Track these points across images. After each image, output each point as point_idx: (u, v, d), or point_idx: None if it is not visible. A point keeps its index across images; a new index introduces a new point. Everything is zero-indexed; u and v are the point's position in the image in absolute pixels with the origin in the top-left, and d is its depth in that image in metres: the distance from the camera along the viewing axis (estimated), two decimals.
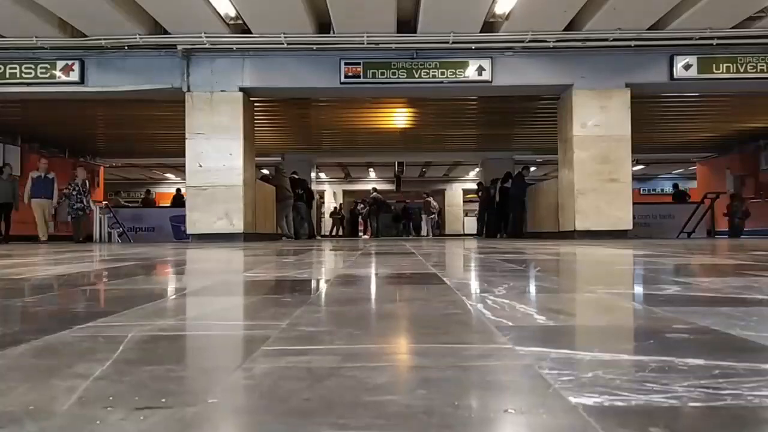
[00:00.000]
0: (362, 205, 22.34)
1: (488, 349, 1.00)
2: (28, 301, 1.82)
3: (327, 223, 26.06)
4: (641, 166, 22.80)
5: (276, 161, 16.70)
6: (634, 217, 9.91)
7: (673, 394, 0.70)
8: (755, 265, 3.04)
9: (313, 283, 2.39)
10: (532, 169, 19.89)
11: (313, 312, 1.49)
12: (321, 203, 25.19)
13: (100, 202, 13.71)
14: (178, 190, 16.99)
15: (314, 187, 18.99)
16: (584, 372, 0.81)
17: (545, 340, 1.07)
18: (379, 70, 9.84)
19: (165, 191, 25.30)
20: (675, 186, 19.18)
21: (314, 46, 9.69)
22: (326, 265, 3.61)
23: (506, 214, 13.93)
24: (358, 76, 9.84)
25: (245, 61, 9.88)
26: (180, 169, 19.07)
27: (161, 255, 5.07)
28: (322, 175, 26.29)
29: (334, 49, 9.74)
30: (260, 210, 10.89)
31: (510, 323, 1.22)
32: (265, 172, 14.38)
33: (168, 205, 17.51)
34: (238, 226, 9.67)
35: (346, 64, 9.81)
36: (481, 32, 9.48)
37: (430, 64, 9.82)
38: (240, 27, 9.45)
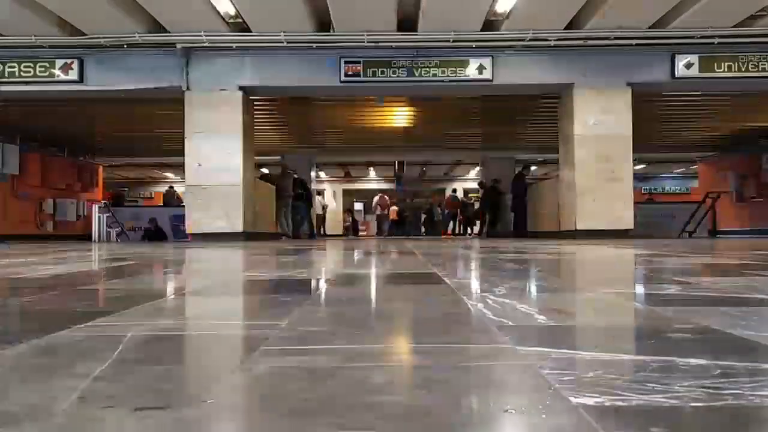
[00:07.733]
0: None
1: (489, 349, 0.99)
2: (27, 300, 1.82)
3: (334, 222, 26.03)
4: (642, 165, 22.78)
5: (276, 161, 16.67)
6: (635, 217, 9.90)
7: (674, 394, 0.69)
8: (757, 265, 3.03)
9: (313, 283, 2.38)
10: (533, 168, 19.85)
11: (312, 311, 1.48)
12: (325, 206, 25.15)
13: (100, 201, 13.69)
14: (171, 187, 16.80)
15: (314, 186, 18.97)
16: (585, 372, 0.81)
17: (546, 340, 1.07)
18: (380, 69, 9.81)
19: (162, 190, 25.22)
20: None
21: (314, 45, 9.67)
22: (326, 264, 3.61)
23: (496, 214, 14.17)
24: (358, 75, 9.81)
25: (245, 59, 9.85)
26: (179, 169, 19.05)
27: (161, 255, 5.07)
28: (322, 174, 26.27)
29: (334, 47, 9.72)
30: (260, 209, 10.89)
31: (511, 323, 1.22)
32: (265, 171, 14.33)
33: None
34: (237, 225, 9.66)
35: (346, 62, 9.79)
36: (481, 31, 9.46)
37: (430, 63, 9.80)
38: (240, 26, 9.43)
